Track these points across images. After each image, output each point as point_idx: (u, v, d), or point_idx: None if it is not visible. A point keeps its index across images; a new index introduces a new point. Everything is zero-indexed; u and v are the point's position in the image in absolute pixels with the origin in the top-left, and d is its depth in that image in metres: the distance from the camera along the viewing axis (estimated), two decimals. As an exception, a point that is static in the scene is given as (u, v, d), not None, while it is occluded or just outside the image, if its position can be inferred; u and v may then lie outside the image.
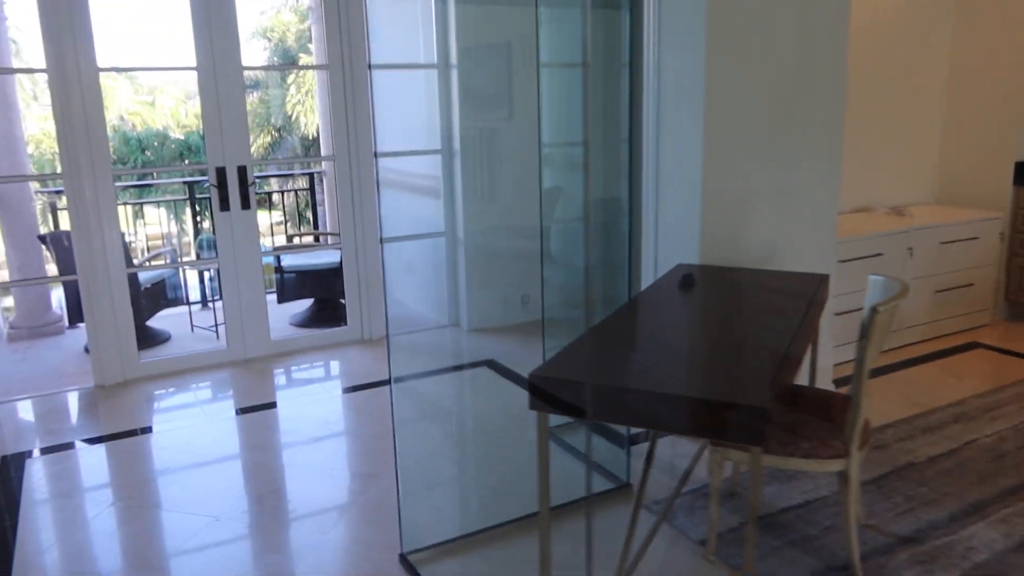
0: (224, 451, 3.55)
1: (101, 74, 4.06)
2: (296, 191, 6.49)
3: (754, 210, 3.52)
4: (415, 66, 5.04)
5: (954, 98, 5.19)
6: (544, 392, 2.09)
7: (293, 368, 4.64)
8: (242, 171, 4.45)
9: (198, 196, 6.15)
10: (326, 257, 5.65)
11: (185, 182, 6.26)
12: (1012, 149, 4.92)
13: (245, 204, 4.51)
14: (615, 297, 4.63)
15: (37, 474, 3.36)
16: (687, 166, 3.42)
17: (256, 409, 3.98)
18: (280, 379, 4.51)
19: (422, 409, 3.91)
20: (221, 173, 4.41)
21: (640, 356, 2.28)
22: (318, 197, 6.93)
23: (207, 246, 5.44)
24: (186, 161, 19.62)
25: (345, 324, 5.56)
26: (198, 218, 6.22)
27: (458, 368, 4.49)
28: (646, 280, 3.72)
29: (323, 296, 5.75)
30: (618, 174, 3.84)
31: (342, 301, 5.80)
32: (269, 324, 4.75)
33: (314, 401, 4.14)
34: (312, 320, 5.68)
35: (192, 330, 5.65)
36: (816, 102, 3.54)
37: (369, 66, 4.58)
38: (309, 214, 6.63)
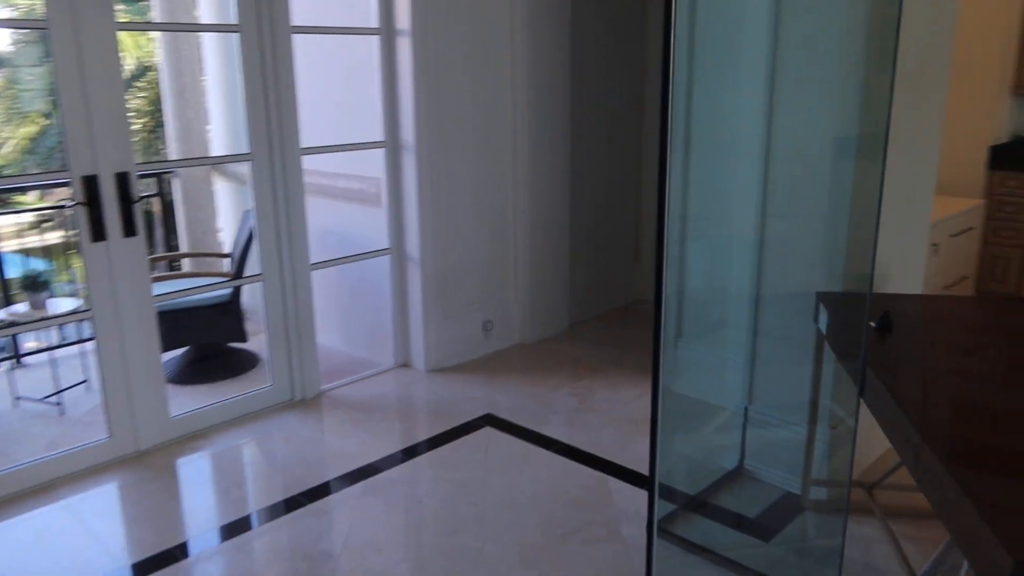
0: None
1: None
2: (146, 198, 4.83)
3: (886, 218, 2.83)
4: (347, 31, 3.80)
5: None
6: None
7: (209, 459, 3.28)
8: (123, 181, 3.01)
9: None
10: (208, 290, 4.21)
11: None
12: (986, 134, 4.71)
13: (129, 229, 3.07)
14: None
15: None
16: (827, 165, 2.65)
17: (162, 563, 2.60)
18: (195, 488, 3.12)
19: (441, 515, 2.81)
20: (91, 184, 2.94)
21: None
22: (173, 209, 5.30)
23: (31, 286, 3.81)
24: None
25: (245, 373, 4.22)
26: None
27: (455, 434, 3.40)
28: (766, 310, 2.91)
29: (205, 341, 4.32)
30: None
31: (232, 346, 4.42)
32: (167, 396, 3.33)
33: (257, 532, 2.87)
34: (192, 373, 4.23)
35: (15, 403, 3.98)
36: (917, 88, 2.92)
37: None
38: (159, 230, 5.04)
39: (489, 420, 3.51)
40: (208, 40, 4.91)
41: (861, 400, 2.07)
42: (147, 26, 5.23)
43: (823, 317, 2.54)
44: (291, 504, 2.88)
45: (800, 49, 2.63)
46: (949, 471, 1.48)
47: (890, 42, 2.38)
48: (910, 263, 3.15)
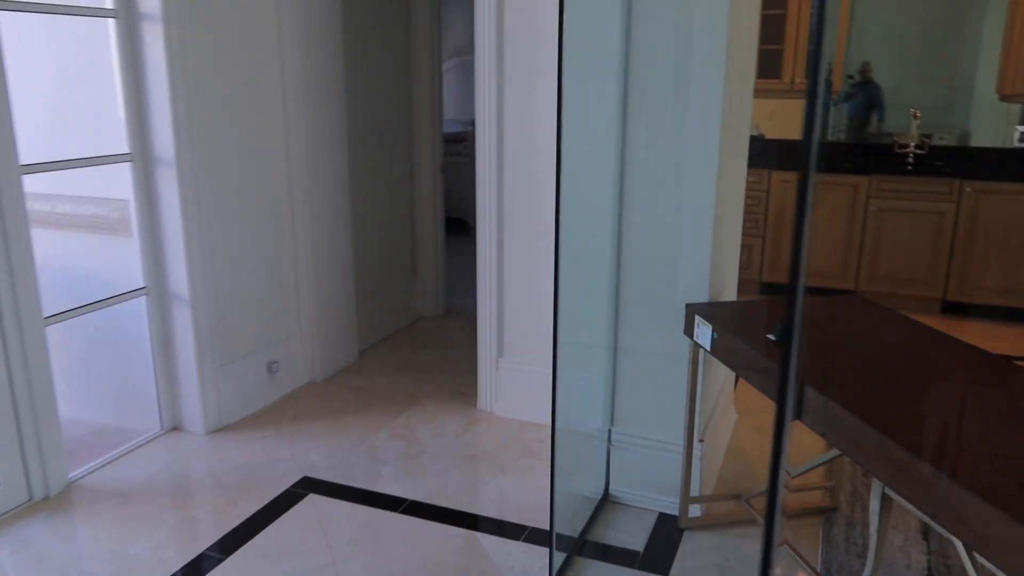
0: None
1: None
2: None
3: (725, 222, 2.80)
4: (73, 11, 2.93)
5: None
6: None
7: (-75, 606, 2.31)
8: None
9: None
10: None
11: None
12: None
13: None
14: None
15: None
16: (689, 169, 2.52)
17: None
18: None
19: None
20: None
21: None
22: None
23: None
24: None
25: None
26: None
27: (273, 511, 2.77)
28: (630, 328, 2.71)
29: None
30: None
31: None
32: None
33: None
34: None
35: None
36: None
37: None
38: None
39: (310, 485, 2.94)
40: None
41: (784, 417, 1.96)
42: None
43: (704, 331, 2.42)
44: (79, 656, 2.10)
45: (655, 59, 2.49)
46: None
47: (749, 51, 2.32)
48: (731, 266, 3.21)
